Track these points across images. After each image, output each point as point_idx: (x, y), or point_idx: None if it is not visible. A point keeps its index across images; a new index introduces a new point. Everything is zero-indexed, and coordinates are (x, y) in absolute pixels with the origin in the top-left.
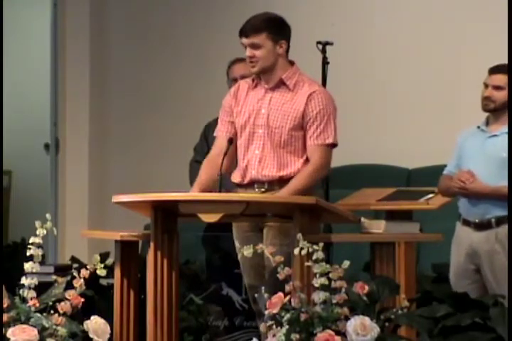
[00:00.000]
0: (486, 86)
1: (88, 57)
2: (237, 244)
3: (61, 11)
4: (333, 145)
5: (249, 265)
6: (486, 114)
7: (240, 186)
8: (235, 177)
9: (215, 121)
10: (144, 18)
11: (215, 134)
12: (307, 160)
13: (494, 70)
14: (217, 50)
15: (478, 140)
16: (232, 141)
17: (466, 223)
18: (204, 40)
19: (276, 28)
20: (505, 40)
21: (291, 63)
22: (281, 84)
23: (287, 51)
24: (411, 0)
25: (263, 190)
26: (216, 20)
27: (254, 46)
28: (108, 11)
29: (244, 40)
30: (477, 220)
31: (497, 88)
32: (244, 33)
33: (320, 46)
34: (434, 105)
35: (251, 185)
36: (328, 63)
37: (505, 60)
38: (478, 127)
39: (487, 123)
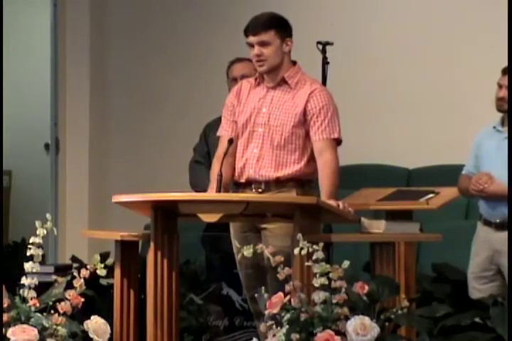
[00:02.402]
0: (500, 86)
1: (88, 57)
2: (236, 244)
3: (61, 10)
4: (338, 141)
5: (247, 265)
6: (488, 114)
7: (237, 185)
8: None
9: (215, 122)
10: (144, 18)
11: (219, 134)
12: (308, 162)
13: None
14: (217, 50)
15: (494, 141)
16: (232, 142)
17: (487, 223)
18: (204, 40)
19: (283, 25)
20: (505, 39)
21: (294, 63)
22: (282, 82)
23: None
24: (411, 0)
25: (260, 190)
26: (216, 20)
27: (263, 44)
28: (108, 10)
29: (252, 39)
30: (498, 220)
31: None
32: (251, 31)
33: (320, 46)
34: (434, 105)
35: (248, 184)
36: (328, 63)
37: (505, 60)
38: (494, 127)
39: (502, 123)
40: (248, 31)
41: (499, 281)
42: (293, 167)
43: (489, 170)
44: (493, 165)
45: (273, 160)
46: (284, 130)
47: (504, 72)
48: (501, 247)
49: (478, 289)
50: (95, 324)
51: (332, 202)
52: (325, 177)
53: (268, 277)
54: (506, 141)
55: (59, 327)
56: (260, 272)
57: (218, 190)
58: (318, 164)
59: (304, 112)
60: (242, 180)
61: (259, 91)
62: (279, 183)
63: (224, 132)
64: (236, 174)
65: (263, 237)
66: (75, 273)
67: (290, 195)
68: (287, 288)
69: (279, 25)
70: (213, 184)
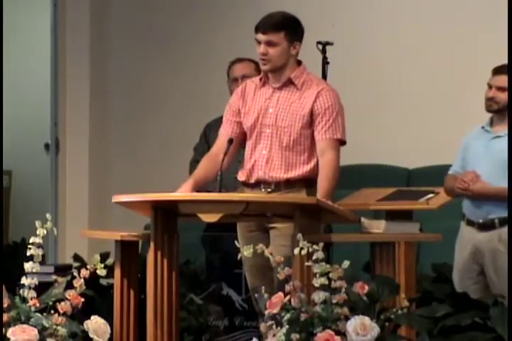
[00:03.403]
0: (490, 87)
1: (88, 57)
2: (241, 243)
3: (61, 10)
4: (342, 141)
5: (252, 264)
6: (487, 114)
7: (246, 185)
8: (241, 176)
9: (215, 121)
10: (144, 19)
11: (219, 132)
12: (317, 162)
13: (497, 71)
14: (217, 50)
15: (482, 140)
16: (232, 142)
17: (470, 223)
18: (204, 40)
19: (294, 29)
20: (505, 39)
21: (299, 63)
22: (289, 83)
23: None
24: (411, 0)
25: (269, 190)
26: (216, 20)
27: (270, 44)
28: (108, 10)
29: (261, 37)
30: (481, 220)
31: (501, 89)
32: (262, 29)
33: (320, 46)
34: (434, 105)
35: (257, 185)
36: (328, 63)
37: (505, 60)
38: (483, 127)
39: (491, 123)
40: (259, 28)
41: (483, 282)
42: (302, 168)
43: (475, 169)
44: (480, 164)
45: (282, 161)
46: (292, 131)
47: (494, 72)
48: (484, 248)
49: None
50: (95, 324)
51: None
52: (323, 178)
53: (274, 277)
54: (494, 141)
55: (59, 327)
56: (266, 272)
57: (219, 190)
58: (319, 164)
59: (311, 113)
60: (252, 181)
61: (265, 91)
62: (288, 184)
63: (223, 132)
64: (245, 175)
65: (272, 236)
66: (75, 273)
67: (292, 195)
68: (287, 288)
69: (290, 28)
70: (188, 183)
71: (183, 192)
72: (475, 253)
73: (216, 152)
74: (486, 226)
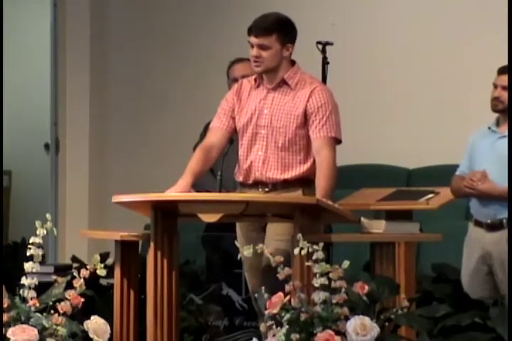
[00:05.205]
0: (495, 86)
1: (88, 58)
2: (240, 243)
3: (61, 11)
4: (337, 140)
5: (252, 265)
6: (487, 114)
7: (244, 186)
8: (238, 177)
9: None
10: (144, 19)
11: (212, 124)
12: (314, 162)
13: (503, 71)
14: (217, 50)
15: (488, 141)
16: (232, 142)
17: (479, 224)
18: (205, 40)
19: (286, 31)
20: (505, 39)
21: (292, 63)
22: (283, 84)
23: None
24: (411, 0)
25: (266, 190)
26: (217, 21)
27: (262, 47)
28: (108, 11)
29: (253, 40)
30: (489, 221)
31: (506, 88)
32: (254, 32)
33: (320, 46)
34: (434, 105)
35: (255, 185)
36: (328, 63)
37: (505, 60)
38: (489, 128)
39: (497, 123)
40: (251, 31)
41: (492, 283)
42: (299, 168)
43: (482, 169)
44: (486, 164)
45: (279, 162)
46: (288, 131)
47: (500, 72)
48: (493, 248)
49: (471, 292)
50: (95, 324)
51: None
52: (321, 177)
53: (264, 275)
54: (500, 141)
55: (59, 327)
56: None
57: (219, 190)
58: (316, 162)
59: (305, 112)
60: (250, 182)
61: (260, 92)
62: (285, 184)
63: (218, 125)
64: (242, 176)
65: (266, 231)
66: (75, 273)
67: (292, 195)
68: (287, 288)
69: (282, 30)
70: (187, 176)
71: (182, 188)
72: (483, 255)
73: (211, 144)
74: (495, 226)
